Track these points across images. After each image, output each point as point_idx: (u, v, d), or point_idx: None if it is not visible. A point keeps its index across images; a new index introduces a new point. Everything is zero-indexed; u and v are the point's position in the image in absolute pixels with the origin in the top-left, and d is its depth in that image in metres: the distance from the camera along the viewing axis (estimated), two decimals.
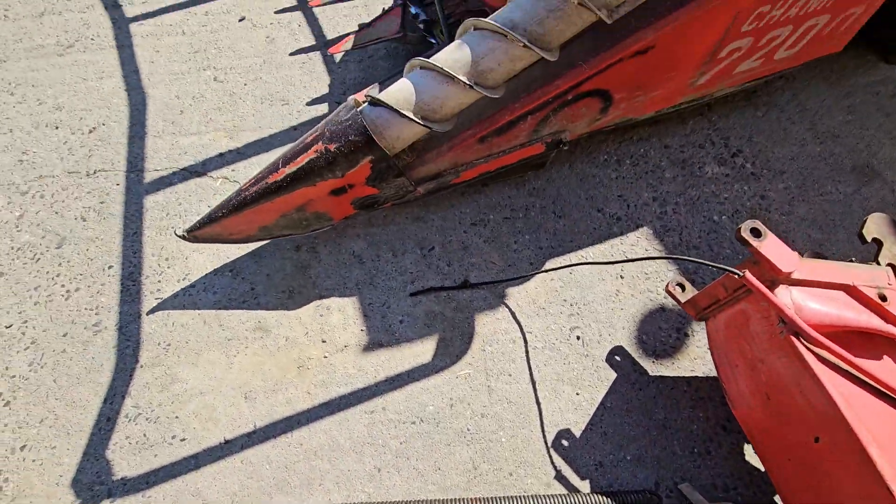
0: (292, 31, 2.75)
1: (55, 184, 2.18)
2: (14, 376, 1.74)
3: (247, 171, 2.23)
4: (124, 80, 2.54)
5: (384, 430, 1.67)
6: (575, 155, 2.20)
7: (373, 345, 1.79)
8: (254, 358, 1.77)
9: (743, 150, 2.21)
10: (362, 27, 2.51)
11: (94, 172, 2.21)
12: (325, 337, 1.80)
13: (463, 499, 1.52)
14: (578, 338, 1.80)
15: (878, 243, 1.37)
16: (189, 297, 1.88)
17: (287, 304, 1.86)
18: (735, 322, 1.40)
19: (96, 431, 1.66)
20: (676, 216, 2.05)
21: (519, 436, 1.67)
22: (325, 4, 2.66)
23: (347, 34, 2.63)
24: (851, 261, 1.32)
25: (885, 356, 1.27)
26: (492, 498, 1.51)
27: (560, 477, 1.61)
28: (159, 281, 1.92)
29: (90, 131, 2.34)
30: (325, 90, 2.50)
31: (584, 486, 1.60)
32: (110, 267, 1.96)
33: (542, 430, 1.67)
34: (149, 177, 2.20)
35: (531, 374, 1.75)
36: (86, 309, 1.85)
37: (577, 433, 1.67)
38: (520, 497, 1.50)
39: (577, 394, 1.73)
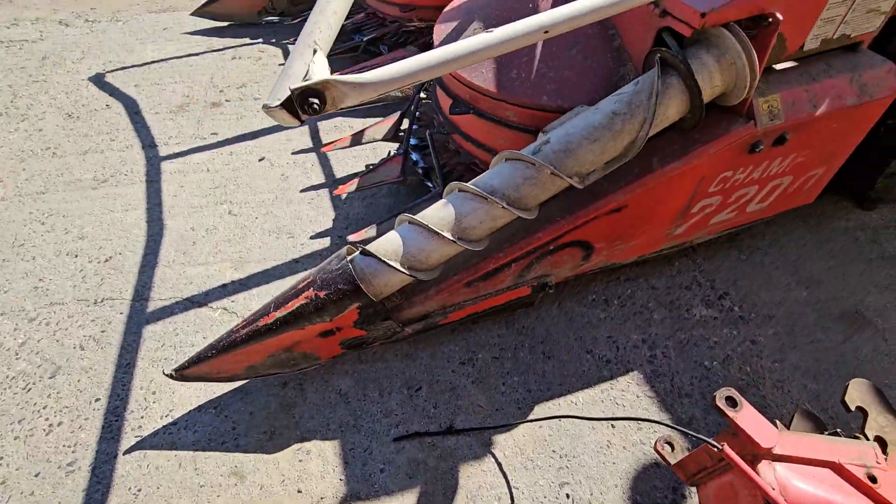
0: (305, 169, 3.03)
1: (63, 311, 2.27)
2: None
3: (246, 301, 2.31)
4: (147, 212, 2.76)
5: None
6: (563, 294, 2.25)
7: (351, 497, 1.70)
8: None
9: (729, 292, 2.25)
10: (369, 168, 2.77)
11: (102, 301, 2.31)
12: (301, 486, 1.72)
13: None
14: (568, 496, 1.69)
15: (863, 412, 1.34)
16: (169, 436, 1.84)
17: (266, 447, 1.81)
18: (724, 494, 1.32)
19: None
20: (666, 360, 2.03)
21: None
22: (336, 150, 2.96)
23: (355, 174, 2.90)
24: (837, 432, 1.28)
25: None
26: None
27: None
28: (142, 417, 1.90)
29: (106, 260, 2.50)
30: (330, 224, 2.67)
31: None
32: (97, 399, 1.96)
33: None
34: (152, 306, 2.29)
35: None
36: (64, 446, 1.82)
37: None
38: None
39: None
